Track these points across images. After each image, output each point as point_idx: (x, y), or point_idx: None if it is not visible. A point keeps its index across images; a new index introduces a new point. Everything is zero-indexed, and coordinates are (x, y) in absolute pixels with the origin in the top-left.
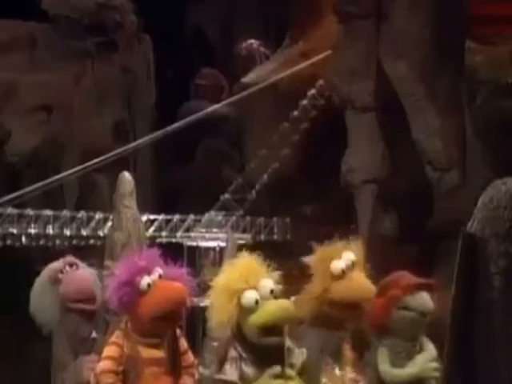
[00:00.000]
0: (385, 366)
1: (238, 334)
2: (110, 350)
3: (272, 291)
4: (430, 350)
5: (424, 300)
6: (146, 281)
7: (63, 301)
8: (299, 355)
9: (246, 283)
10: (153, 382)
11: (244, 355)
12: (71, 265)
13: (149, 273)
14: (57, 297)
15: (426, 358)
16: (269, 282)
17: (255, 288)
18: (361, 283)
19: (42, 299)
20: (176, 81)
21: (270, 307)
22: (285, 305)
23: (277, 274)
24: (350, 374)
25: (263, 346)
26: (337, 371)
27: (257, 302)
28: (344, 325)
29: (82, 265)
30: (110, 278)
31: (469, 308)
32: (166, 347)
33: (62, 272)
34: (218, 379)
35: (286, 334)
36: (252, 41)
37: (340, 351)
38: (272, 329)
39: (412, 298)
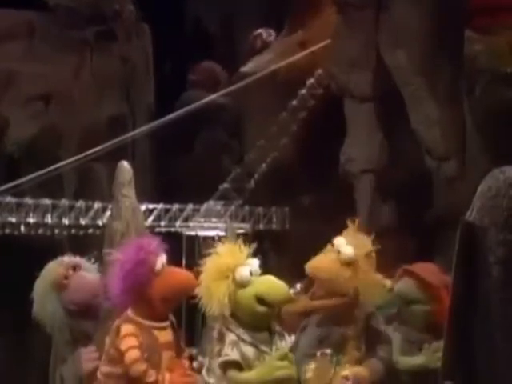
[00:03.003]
0: (396, 353)
1: (234, 313)
2: (129, 341)
3: (260, 267)
4: (439, 340)
5: (401, 285)
6: (160, 261)
7: (68, 305)
8: (288, 340)
9: (237, 260)
10: (172, 365)
11: (242, 336)
12: (74, 267)
13: (159, 255)
14: (61, 301)
15: (434, 348)
16: (255, 260)
17: (245, 265)
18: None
19: (45, 304)
20: (175, 72)
21: (267, 283)
22: (280, 283)
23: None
24: (345, 371)
25: (260, 316)
26: (332, 364)
27: (251, 273)
28: (345, 321)
29: (83, 263)
30: (116, 263)
31: (467, 298)
32: (171, 331)
33: (66, 278)
34: (220, 363)
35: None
36: (260, 30)
37: (344, 347)
38: (267, 303)
39: (396, 283)
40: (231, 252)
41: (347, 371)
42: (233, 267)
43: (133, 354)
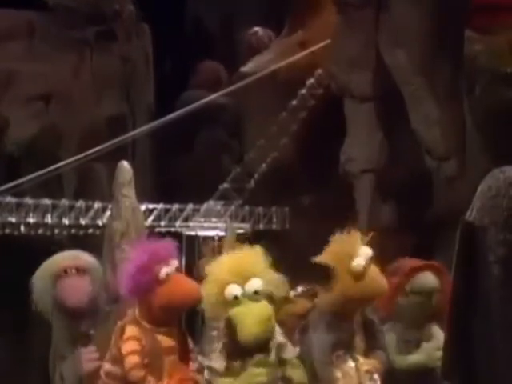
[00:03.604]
0: (392, 353)
1: (226, 324)
2: (131, 345)
3: (256, 292)
4: (438, 338)
5: (427, 280)
6: (165, 271)
7: (57, 299)
8: (292, 351)
9: (234, 277)
10: (172, 370)
11: (231, 345)
12: (78, 269)
13: (167, 263)
14: (52, 288)
15: (433, 347)
16: (257, 282)
17: (241, 284)
18: (378, 280)
19: (41, 290)
20: (175, 72)
21: (247, 322)
22: (262, 320)
23: (274, 273)
24: (364, 365)
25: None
26: (350, 363)
27: (236, 297)
28: (354, 316)
29: (93, 266)
30: (125, 262)
31: (467, 297)
32: (176, 335)
33: (65, 271)
34: (206, 366)
35: (273, 331)
36: (257, 28)
37: (352, 343)
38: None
39: (415, 281)
40: (239, 263)
41: (366, 366)
42: (225, 283)
43: (132, 360)
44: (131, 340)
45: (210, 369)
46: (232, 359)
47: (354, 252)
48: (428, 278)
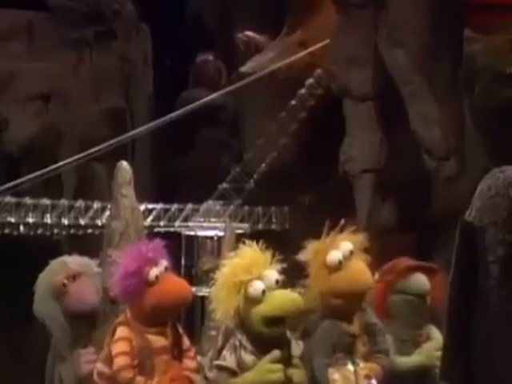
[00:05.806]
0: (391, 353)
1: (240, 324)
2: (120, 346)
3: (277, 281)
4: (436, 338)
5: (418, 281)
6: (154, 273)
7: (67, 311)
8: (296, 347)
9: (252, 273)
10: (164, 370)
11: (244, 343)
12: (74, 276)
13: (156, 264)
14: (61, 307)
15: (433, 347)
16: (273, 272)
17: (260, 278)
18: (358, 272)
19: (45, 308)
20: (175, 70)
21: (279, 298)
22: (293, 296)
23: (279, 264)
24: (364, 370)
25: (267, 335)
26: (350, 366)
27: (263, 292)
28: (354, 318)
29: (87, 267)
30: (114, 267)
31: (466, 297)
32: (169, 334)
33: (64, 286)
34: (216, 365)
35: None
36: (247, 32)
37: (353, 347)
38: (278, 320)
39: (406, 281)
40: (250, 260)
41: (366, 370)
42: (246, 281)
43: (121, 361)
44: (121, 341)
45: (221, 368)
46: (244, 357)
47: (330, 246)
48: (418, 280)
